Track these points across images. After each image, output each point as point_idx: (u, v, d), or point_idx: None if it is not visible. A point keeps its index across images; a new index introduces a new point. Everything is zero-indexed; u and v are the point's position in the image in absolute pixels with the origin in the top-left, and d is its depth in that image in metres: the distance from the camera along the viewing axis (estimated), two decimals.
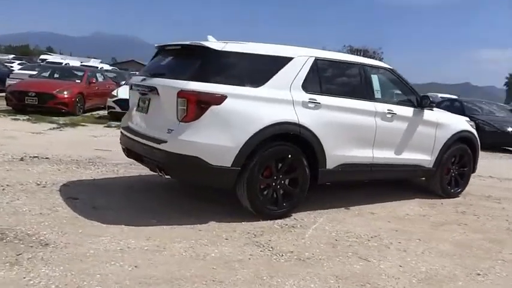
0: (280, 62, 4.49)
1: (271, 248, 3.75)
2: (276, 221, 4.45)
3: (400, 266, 3.63)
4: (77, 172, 5.86)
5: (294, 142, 4.45)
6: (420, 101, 5.60)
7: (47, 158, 6.50)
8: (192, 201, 4.93)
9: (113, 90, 15.91)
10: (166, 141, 4.06)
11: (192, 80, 4.05)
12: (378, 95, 5.31)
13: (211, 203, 4.85)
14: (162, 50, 4.96)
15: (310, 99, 4.55)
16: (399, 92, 5.70)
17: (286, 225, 4.41)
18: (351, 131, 4.88)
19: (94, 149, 7.61)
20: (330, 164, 4.73)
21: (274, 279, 3.19)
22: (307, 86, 4.58)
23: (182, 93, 4.00)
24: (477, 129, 6.72)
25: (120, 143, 5.11)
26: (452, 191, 6.24)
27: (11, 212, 4.11)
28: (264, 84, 4.33)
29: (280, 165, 4.42)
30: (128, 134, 4.76)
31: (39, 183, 5.14)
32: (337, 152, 4.76)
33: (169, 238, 3.77)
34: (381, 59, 68.34)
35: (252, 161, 4.20)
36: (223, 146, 4.08)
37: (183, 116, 4.02)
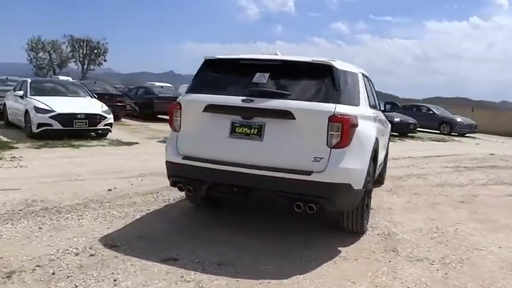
0: (358, 79, 4.56)
1: (431, 260, 3.94)
2: (367, 234, 4.59)
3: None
4: (73, 225, 4.28)
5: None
6: (384, 104, 6.56)
7: None
8: (271, 230, 4.46)
9: None
10: (321, 171, 3.64)
11: (330, 102, 3.75)
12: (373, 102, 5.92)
13: (294, 233, 4.55)
14: (235, 64, 4.22)
15: (373, 113, 4.82)
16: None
17: (379, 234, 4.62)
18: (379, 138, 5.38)
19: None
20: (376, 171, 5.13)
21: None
22: (367, 101, 4.80)
23: (336, 118, 3.66)
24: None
25: (186, 177, 4.09)
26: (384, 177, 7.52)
27: None
28: (360, 102, 4.34)
29: None
30: (216, 167, 3.89)
31: (67, 251, 3.62)
32: (379, 159, 5.19)
33: (359, 276, 3.51)
34: (106, 50, 66.86)
35: (368, 180, 4.21)
36: (361, 169, 3.97)
37: (336, 142, 3.69)
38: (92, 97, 11.87)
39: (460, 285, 3.46)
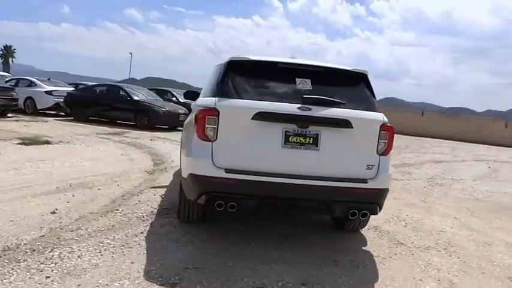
0: None
1: (435, 248, 4.56)
2: (361, 230, 4.93)
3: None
4: (85, 266, 3.37)
5: None
6: None
7: None
8: (283, 237, 4.37)
9: None
10: (373, 178, 3.78)
11: (376, 111, 3.93)
12: None
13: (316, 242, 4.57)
14: (270, 67, 3.92)
15: None
16: None
17: (369, 229, 5.02)
18: None
19: None
20: None
21: None
22: None
23: (385, 126, 3.85)
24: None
25: (231, 193, 3.65)
26: None
27: None
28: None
29: None
30: (271, 179, 3.62)
31: None
32: None
33: (414, 273, 3.85)
34: None
35: None
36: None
37: (384, 150, 3.87)
38: None
39: (479, 267, 4.13)
